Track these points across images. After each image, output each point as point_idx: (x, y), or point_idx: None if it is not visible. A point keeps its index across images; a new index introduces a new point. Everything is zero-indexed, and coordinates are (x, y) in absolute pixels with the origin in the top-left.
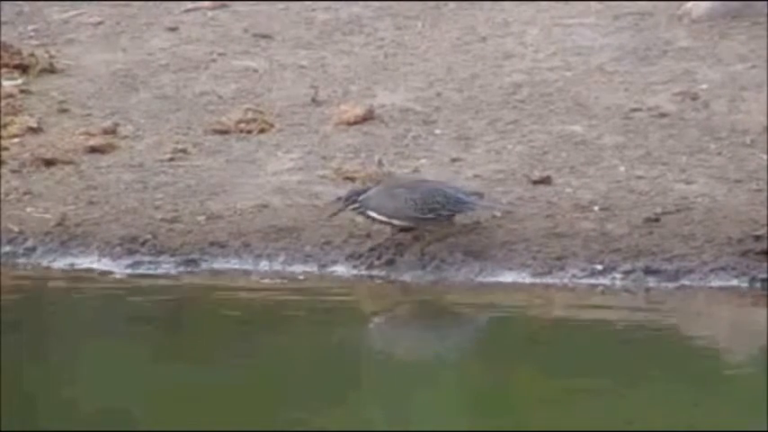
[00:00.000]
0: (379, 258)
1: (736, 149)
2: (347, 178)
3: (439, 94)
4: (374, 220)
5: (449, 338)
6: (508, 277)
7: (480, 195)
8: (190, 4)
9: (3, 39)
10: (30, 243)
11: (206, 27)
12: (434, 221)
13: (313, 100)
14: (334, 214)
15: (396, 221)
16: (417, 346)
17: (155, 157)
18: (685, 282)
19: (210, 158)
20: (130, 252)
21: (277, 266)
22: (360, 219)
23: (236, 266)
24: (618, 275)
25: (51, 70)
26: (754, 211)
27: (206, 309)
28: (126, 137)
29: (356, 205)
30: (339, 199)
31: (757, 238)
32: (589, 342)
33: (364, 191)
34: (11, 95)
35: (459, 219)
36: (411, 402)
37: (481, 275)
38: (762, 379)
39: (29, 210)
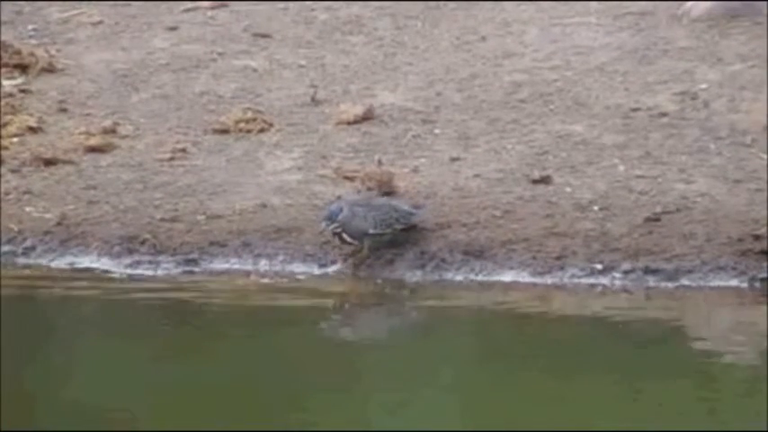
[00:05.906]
0: (378, 258)
1: (736, 149)
2: (347, 178)
3: (439, 94)
4: (344, 241)
5: (448, 338)
6: (508, 277)
7: (420, 207)
8: (189, 4)
9: (2, 38)
10: (29, 242)
11: (206, 27)
12: (381, 237)
13: (312, 99)
14: (321, 232)
15: (356, 242)
16: (417, 345)
17: (154, 156)
18: (685, 281)
19: (210, 158)
20: (130, 251)
21: (277, 266)
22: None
23: (236, 266)
24: (617, 275)
25: (51, 70)
26: (754, 210)
27: (205, 308)
28: (126, 136)
29: (335, 225)
30: (329, 203)
31: (757, 237)
32: (587, 341)
33: (341, 209)
34: (10, 95)
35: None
36: (411, 403)
37: (481, 275)
38: (761, 379)
39: (28, 209)
